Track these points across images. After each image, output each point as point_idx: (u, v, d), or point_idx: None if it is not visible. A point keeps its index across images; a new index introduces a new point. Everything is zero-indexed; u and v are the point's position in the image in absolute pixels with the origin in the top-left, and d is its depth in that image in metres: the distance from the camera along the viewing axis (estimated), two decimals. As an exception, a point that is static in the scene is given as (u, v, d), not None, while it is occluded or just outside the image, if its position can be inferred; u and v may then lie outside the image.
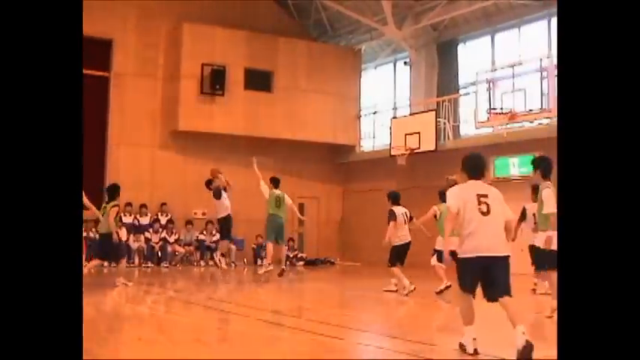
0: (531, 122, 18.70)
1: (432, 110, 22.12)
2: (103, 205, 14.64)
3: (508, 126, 18.68)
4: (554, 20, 20.75)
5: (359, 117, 26.39)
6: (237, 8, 24.29)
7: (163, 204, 22.03)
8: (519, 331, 6.63)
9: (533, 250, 11.08)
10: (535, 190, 11.11)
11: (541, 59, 17.58)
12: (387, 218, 13.90)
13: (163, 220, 22.03)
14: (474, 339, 7.06)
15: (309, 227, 25.63)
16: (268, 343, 8.13)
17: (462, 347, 7.13)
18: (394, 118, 24.36)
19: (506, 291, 6.91)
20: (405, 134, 21.76)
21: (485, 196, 7.18)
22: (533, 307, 11.39)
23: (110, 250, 14.51)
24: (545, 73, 17.08)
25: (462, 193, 7.29)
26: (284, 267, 17.31)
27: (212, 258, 21.88)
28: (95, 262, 14.90)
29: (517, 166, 19.78)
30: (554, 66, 17.07)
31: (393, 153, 22.27)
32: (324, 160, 26.27)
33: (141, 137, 22.64)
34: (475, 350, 7.02)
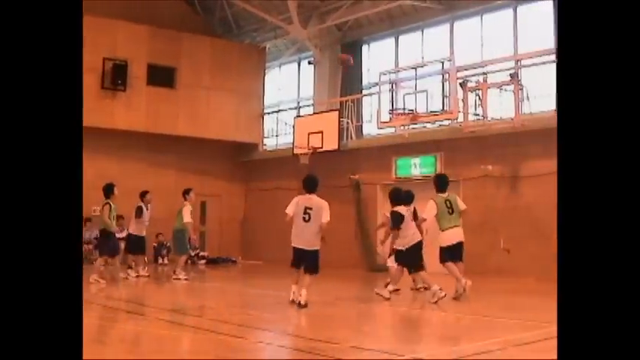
0: (433, 123, 18.99)
1: (335, 110, 22.19)
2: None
3: (410, 127, 18.91)
4: (457, 23, 21.20)
5: (262, 115, 26.32)
6: (141, 2, 23.91)
7: (61, 201, 21.46)
8: (303, 294, 10.86)
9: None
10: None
11: (443, 62, 17.84)
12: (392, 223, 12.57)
13: (61, 217, 21.50)
14: (294, 292, 11.21)
15: (211, 226, 25.46)
16: (169, 342, 8.02)
17: (292, 301, 11.14)
18: (298, 116, 24.37)
19: (314, 271, 11.18)
20: (308, 133, 21.75)
21: (310, 208, 11.11)
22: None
23: (104, 246, 16.02)
24: (446, 76, 17.33)
25: (296, 203, 11.25)
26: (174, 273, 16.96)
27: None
28: (99, 261, 16.09)
29: (418, 167, 20.09)
30: (456, 68, 17.36)
31: (295, 152, 22.25)
32: (227, 158, 26.11)
33: (38, 132, 22.01)
34: (296, 300, 11.04)
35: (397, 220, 12.28)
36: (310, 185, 11.41)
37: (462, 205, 12.70)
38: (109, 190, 15.77)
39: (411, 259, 12.27)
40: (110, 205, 15.61)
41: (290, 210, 11.22)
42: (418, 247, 12.34)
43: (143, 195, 17.49)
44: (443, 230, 12.45)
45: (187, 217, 16.46)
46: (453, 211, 12.46)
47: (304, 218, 11.07)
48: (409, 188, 13.72)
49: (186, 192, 17.01)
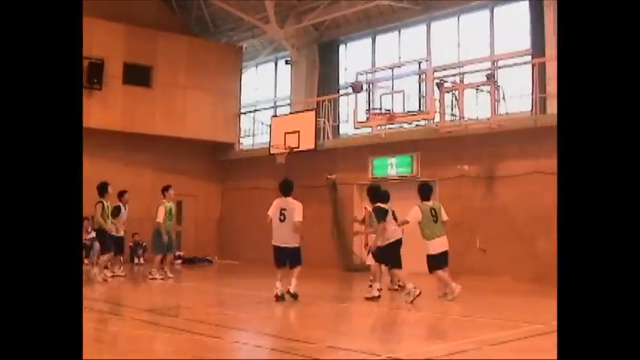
0: (409, 123, 19.02)
1: (312, 109, 22.20)
2: None
3: (387, 127, 18.94)
4: (434, 24, 21.26)
5: (239, 115, 26.22)
6: (117, 1, 23.71)
7: (36, 200, 21.27)
8: (293, 284, 12.15)
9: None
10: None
11: (420, 62, 17.87)
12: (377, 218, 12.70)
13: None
14: (278, 287, 12.00)
15: (188, 225, 25.35)
16: (145, 343, 7.98)
17: (277, 297, 11.98)
18: (274, 116, 24.34)
19: (297, 264, 12.37)
20: (285, 133, 21.73)
21: (285, 209, 12.36)
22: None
23: (103, 243, 16.22)
24: (423, 76, 17.37)
25: (275, 205, 12.52)
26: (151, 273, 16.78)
27: (87, 256, 21.34)
28: (104, 257, 16.36)
29: (395, 167, 20.11)
30: (432, 69, 17.41)
31: (272, 151, 22.22)
32: (203, 158, 26.02)
33: (13, 131, 21.82)
34: (284, 291, 12.03)
35: (383, 214, 12.36)
36: (286, 189, 12.73)
37: (444, 216, 12.78)
38: (102, 189, 15.94)
39: (390, 256, 12.34)
40: (103, 204, 15.76)
41: (270, 212, 12.48)
42: (398, 244, 12.38)
43: (121, 195, 17.36)
44: (429, 239, 12.48)
45: (159, 217, 16.29)
46: (437, 220, 12.54)
47: (280, 219, 12.35)
48: (385, 188, 13.71)
49: (164, 189, 16.87)
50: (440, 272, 12.42)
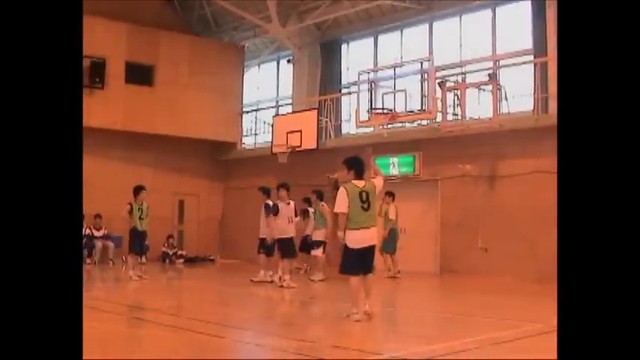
0: (411, 123, 19.02)
1: (314, 109, 22.20)
2: None
3: (389, 126, 18.93)
4: (436, 24, 21.25)
5: (241, 114, 26.22)
6: (119, 0, 23.70)
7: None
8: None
9: None
10: None
11: (422, 61, 17.88)
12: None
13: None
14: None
15: (189, 224, 25.38)
16: (146, 342, 7.97)
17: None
18: (276, 115, 24.36)
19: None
20: (287, 132, 21.73)
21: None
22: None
23: (132, 243, 16.25)
24: (425, 75, 17.37)
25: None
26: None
27: (90, 255, 21.28)
28: (130, 258, 16.65)
29: (397, 166, 20.09)
30: (434, 68, 17.41)
31: (274, 151, 22.22)
32: (205, 157, 26.00)
33: (15, 130, 21.79)
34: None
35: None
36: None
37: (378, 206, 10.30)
38: (134, 191, 16.06)
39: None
40: (131, 205, 15.85)
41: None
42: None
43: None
44: (351, 229, 9.39)
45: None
46: (369, 207, 9.46)
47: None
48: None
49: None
50: (356, 280, 9.41)
